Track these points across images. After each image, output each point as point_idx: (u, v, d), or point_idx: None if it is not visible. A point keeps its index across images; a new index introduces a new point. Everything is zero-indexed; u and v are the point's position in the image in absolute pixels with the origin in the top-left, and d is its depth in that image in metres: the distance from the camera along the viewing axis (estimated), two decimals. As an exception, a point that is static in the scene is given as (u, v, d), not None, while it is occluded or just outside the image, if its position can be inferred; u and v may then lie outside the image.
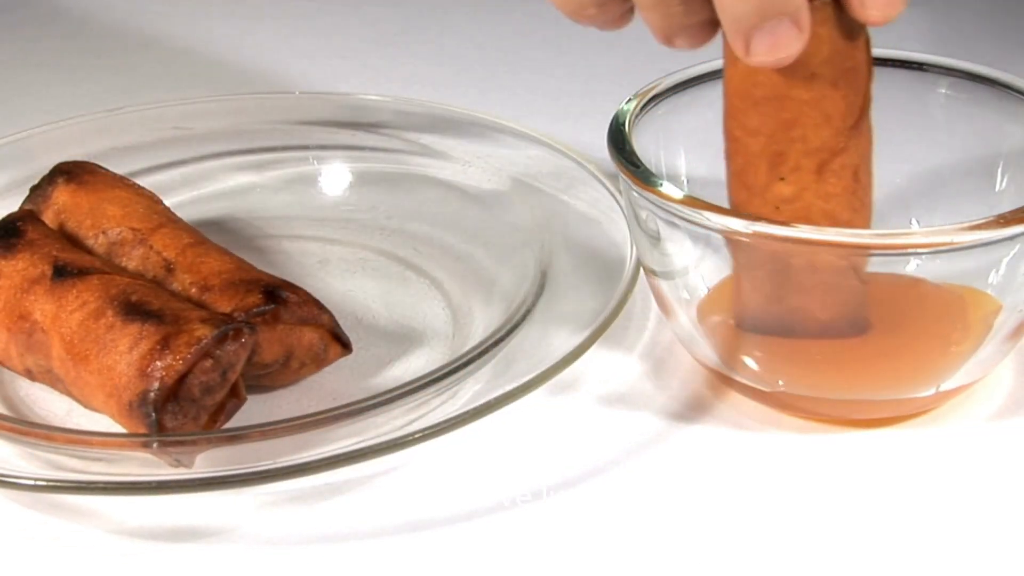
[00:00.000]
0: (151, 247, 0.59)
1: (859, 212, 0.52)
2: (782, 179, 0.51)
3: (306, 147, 0.73)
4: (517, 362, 0.56)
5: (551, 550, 0.50)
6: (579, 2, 0.51)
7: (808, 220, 0.51)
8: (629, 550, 0.50)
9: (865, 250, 0.51)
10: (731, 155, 0.53)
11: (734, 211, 0.52)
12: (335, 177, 0.72)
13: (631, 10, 0.51)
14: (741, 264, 0.53)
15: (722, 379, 0.57)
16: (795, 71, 0.50)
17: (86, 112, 0.73)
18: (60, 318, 0.55)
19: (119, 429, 0.55)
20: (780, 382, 0.55)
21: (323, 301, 0.58)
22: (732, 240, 0.52)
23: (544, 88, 0.85)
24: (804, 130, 0.51)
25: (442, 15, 0.96)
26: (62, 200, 0.62)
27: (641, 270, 0.58)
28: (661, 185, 0.53)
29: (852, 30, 0.50)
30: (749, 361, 0.55)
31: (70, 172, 0.63)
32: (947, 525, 0.51)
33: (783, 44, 0.48)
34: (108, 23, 0.96)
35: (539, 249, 0.63)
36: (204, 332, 0.53)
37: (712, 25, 0.50)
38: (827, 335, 0.54)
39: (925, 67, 0.60)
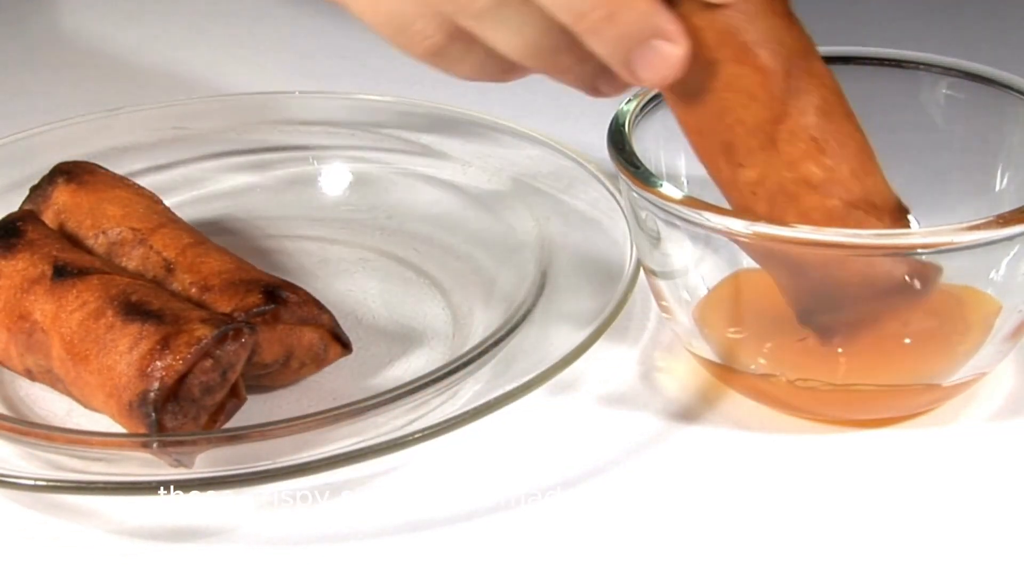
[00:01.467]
0: (151, 247, 0.59)
1: (840, 159, 0.51)
2: (741, 166, 0.52)
3: (306, 147, 0.73)
4: (517, 362, 0.56)
5: (551, 550, 0.50)
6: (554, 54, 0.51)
7: (785, 193, 0.51)
8: (629, 550, 0.50)
9: (866, 250, 0.51)
10: (701, 159, 0.53)
11: (734, 211, 0.52)
12: (335, 177, 0.72)
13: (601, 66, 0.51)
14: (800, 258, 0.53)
15: (722, 377, 0.57)
16: (696, 66, 0.50)
17: (86, 112, 0.73)
18: (60, 318, 0.55)
19: (119, 429, 0.55)
20: (783, 377, 0.55)
21: (323, 301, 0.58)
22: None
23: (544, 88, 0.84)
24: (736, 113, 0.51)
25: (442, 15, 0.96)
26: (62, 200, 0.62)
27: (641, 270, 0.58)
28: (661, 185, 0.53)
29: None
30: (753, 356, 0.55)
31: (70, 172, 0.63)
32: (947, 525, 0.51)
33: (663, 61, 0.49)
34: (108, 24, 0.96)
35: (539, 249, 0.63)
36: (204, 332, 0.53)
37: None
38: (889, 302, 0.53)
39: (925, 67, 0.60)
